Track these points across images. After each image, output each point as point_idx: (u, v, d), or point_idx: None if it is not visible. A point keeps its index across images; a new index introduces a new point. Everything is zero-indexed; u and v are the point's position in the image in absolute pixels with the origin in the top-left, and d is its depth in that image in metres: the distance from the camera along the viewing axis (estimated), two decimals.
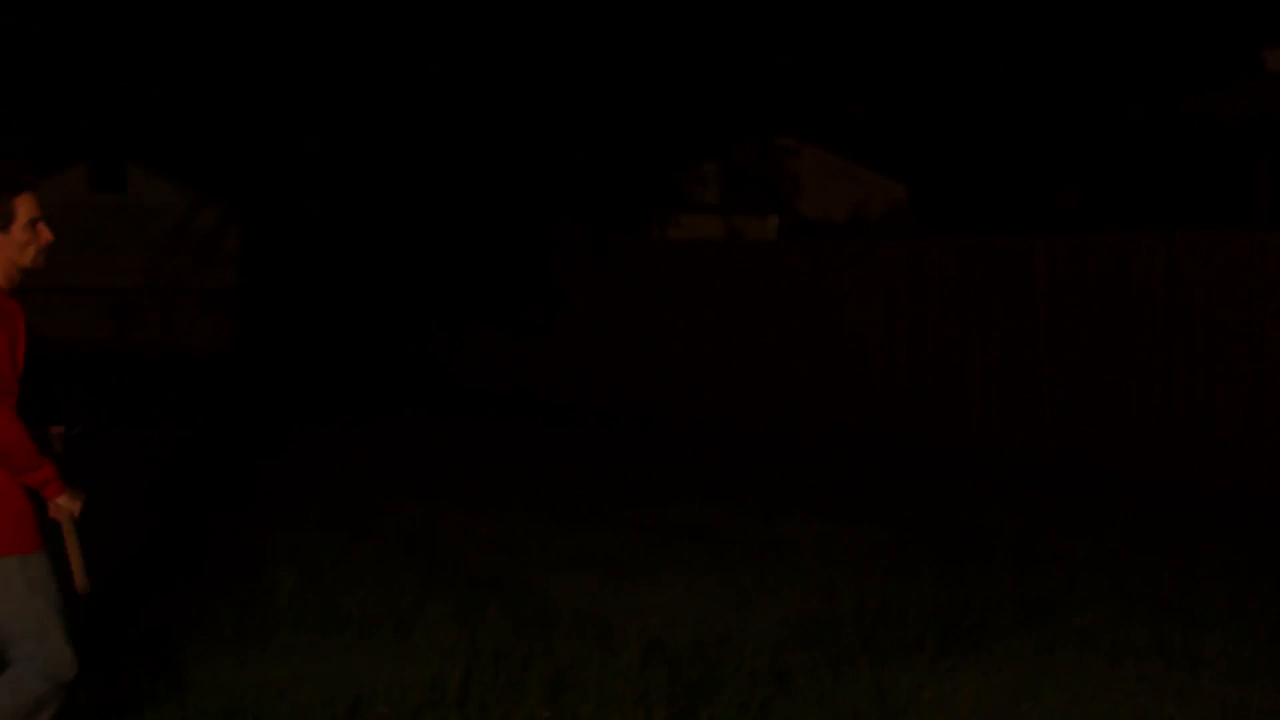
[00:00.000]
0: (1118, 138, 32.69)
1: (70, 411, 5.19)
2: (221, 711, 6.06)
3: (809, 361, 16.32)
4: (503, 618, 7.58)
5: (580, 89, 18.52)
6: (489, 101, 18.12)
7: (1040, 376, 14.31)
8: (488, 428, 16.37)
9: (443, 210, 18.75)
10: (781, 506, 11.42)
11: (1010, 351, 14.55)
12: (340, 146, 18.13)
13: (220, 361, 22.85)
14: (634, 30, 18.75)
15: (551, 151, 18.85)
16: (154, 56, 18.54)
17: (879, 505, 11.63)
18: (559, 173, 19.11)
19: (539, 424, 16.85)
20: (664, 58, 19.04)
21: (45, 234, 4.99)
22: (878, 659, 6.96)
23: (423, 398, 18.55)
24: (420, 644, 7.16)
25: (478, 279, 19.17)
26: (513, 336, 19.16)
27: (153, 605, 7.77)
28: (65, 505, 5.00)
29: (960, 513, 11.29)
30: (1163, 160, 29.58)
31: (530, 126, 18.45)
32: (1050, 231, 15.65)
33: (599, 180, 19.57)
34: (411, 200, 18.53)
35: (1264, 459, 12.70)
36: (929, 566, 9.10)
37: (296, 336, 19.06)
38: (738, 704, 6.20)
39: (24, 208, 4.93)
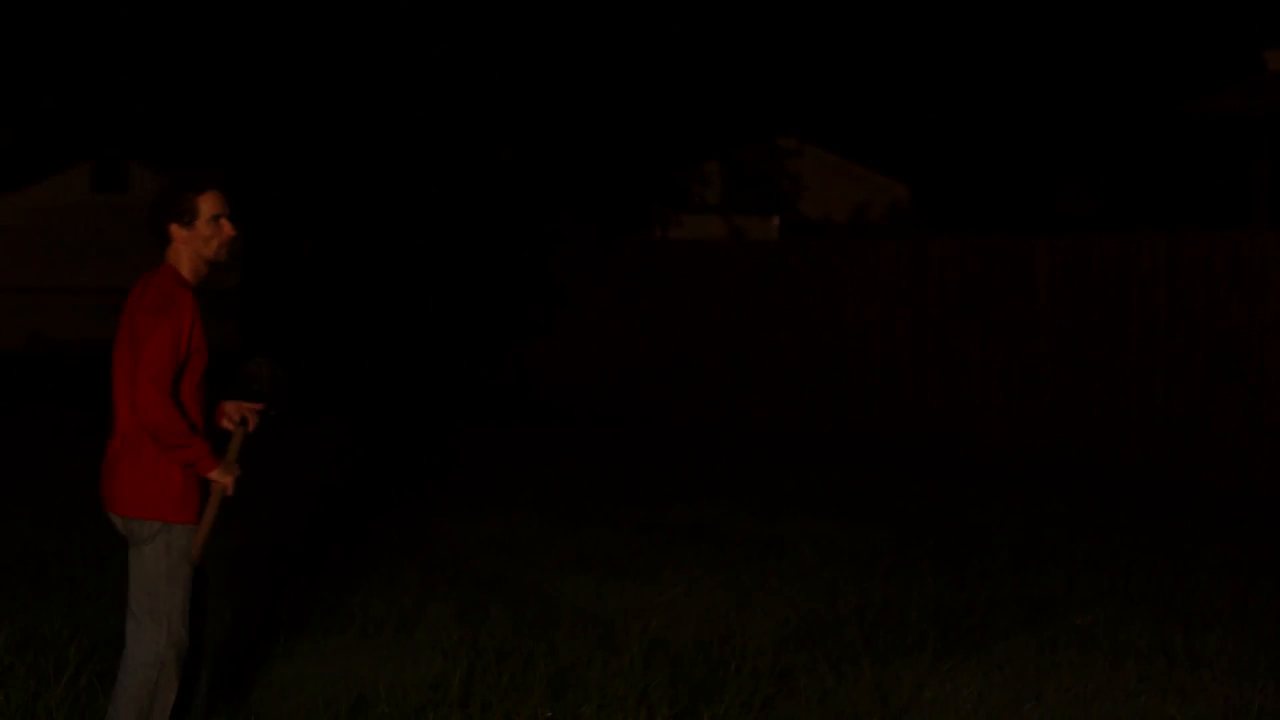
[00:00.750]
0: (1119, 138, 32.70)
1: (277, 393, 5.58)
2: (222, 711, 6.07)
3: (811, 361, 16.33)
4: (505, 617, 7.60)
5: (583, 89, 18.54)
6: (492, 101, 18.14)
7: (1041, 376, 14.32)
8: (489, 427, 16.38)
9: (445, 210, 18.77)
10: (783, 506, 11.43)
11: (1011, 351, 14.56)
12: (344, 146, 18.15)
13: (223, 361, 22.84)
14: (636, 30, 18.76)
15: (555, 152, 18.87)
16: (157, 56, 18.56)
17: (880, 505, 11.64)
18: (562, 173, 19.13)
19: (541, 423, 16.86)
20: (666, 58, 19.05)
21: (228, 229, 5.39)
22: (879, 658, 6.98)
23: (423, 398, 18.55)
24: (422, 644, 7.18)
25: (480, 279, 19.18)
26: (515, 336, 19.18)
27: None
28: (218, 480, 5.30)
29: (962, 512, 11.30)
30: (1163, 161, 29.60)
31: (533, 127, 18.46)
32: (1051, 231, 15.66)
33: (602, 180, 19.59)
34: (414, 200, 18.55)
35: (1264, 459, 12.71)
36: (930, 566, 9.11)
37: (299, 337, 19.07)
38: (740, 703, 6.22)
39: (207, 204, 5.31)
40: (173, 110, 19.11)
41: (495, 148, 18.44)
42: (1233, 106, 17.26)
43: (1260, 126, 17.03)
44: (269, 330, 19.62)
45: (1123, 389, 13.70)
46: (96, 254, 31.02)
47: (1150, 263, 13.57)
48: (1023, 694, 6.56)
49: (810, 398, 16.31)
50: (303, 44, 17.94)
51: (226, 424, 5.57)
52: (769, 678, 6.54)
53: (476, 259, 19.12)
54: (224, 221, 5.35)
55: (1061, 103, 34.14)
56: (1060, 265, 14.22)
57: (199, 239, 5.32)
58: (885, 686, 6.57)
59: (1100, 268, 13.92)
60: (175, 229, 5.27)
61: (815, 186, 31.06)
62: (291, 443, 14.68)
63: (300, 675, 6.66)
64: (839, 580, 8.69)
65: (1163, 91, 29.02)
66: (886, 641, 7.23)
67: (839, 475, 13.09)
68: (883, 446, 15.15)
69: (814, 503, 11.66)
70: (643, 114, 19.08)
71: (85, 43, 18.79)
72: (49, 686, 6.18)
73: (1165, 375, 13.43)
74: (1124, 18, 33.09)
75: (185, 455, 5.17)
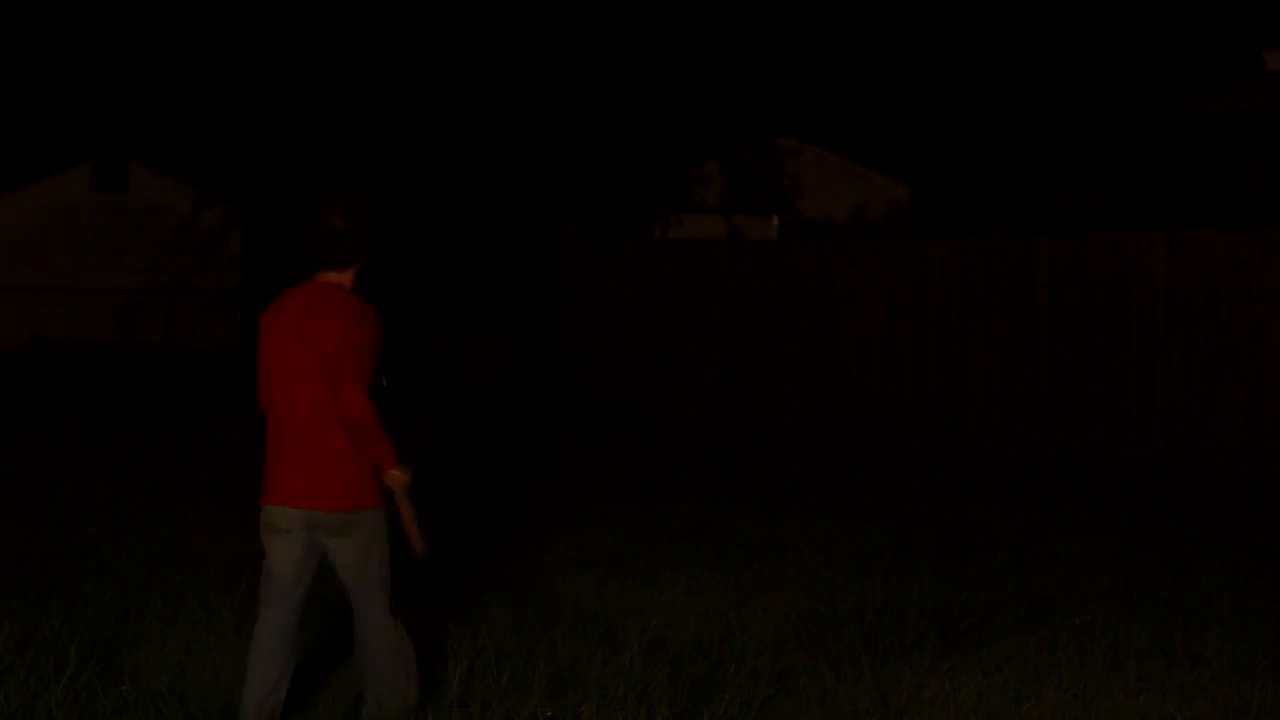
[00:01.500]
0: (1119, 138, 32.69)
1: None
2: (223, 710, 6.08)
3: (811, 361, 16.34)
4: (504, 616, 7.60)
5: (583, 90, 18.54)
6: (492, 102, 18.14)
7: (1041, 376, 14.32)
8: (488, 427, 16.38)
9: (445, 210, 18.76)
10: (783, 506, 11.44)
11: (1011, 351, 14.57)
12: (344, 146, 18.15)
13: (225, 361, 22.87)
14: (637, 30, 18.76)
15: (555, 152, 18.87)
16: (157, 57, 18.56)
17: (880, 504, 11.65)
18: (561, 173, 19.13)
19: (540, 423, 16.86)
20: (666, 58, 19.05)
21: None
22: (879, 658, 6.98)
23: (423, 397, 18.56)
24: (422, 643, 7.18)
25: (480, 278, 19.18)
26: (514, 336, 19.17)
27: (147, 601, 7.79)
28: (399, 476, 5.75)
29: (962, 512, 11.30)
30: (1163, 160, 29.60)
31: (533, 127, 18.46)
32: (1051, 231, 15.66)
33: (601, 180, 19.59)
34: (415, 200, 18.54)
35: (1264, 458, 12.72)
36: (930, 566, 9.11)
37: None
38: (739, 703, 6.22)
39: None
40: (173, 109, 19.11)
41: (497, 148, 18.43)
42: (1233, 106, 17.26)
43: (1260, 126, 17.03)
44: None
45: (1123, 389, 13.71)
46: (97, 254, 31.01)
47: (1150, 262, 13.57)
48: (1022, 693, 6.56)
49: (810, 397, 16.31)
50: (304, 44, 17.94)
51: None
52: (769, 677, 6.55)
53: (476, 259, 19.12)
54: None
55: (1061, 102, 34.13)
56: (1060, 265, 14.23)
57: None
58: (885, 686, 6.57)
59: (1100, 268, 13.93)
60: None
61: (815, 186, 31.07)
62: None
63: (300, 675, 6.66)
64: (838, 580, 8.69)
65: (1163, 91, 29.01)
66: (886, 641, 7.23)
67: (839, 475, 13.09)
68: (883, 446, 15.15)
69: (814, 503, 11.66)
70: (643, 114, 19.08)
71: (87, 43, 18.79)
72: (49, 686, 6.18)
73: (1165, 375, 13.43)
74: (1124, 18, 33.08)
75: (377, 450, 5.65)
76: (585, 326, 18.80)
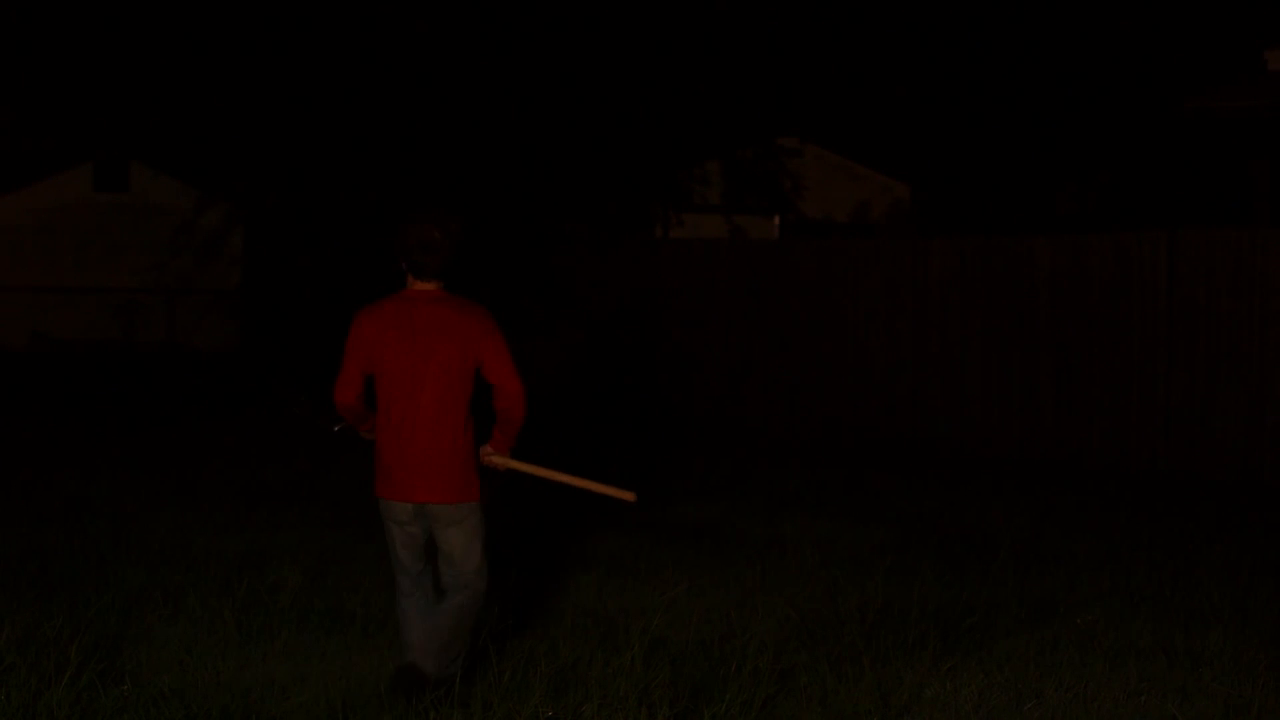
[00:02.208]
0: (1119, 138, 32.69)
1: None
2: (224, 710, 6.08)
3: (811, 361, 16.34)
4: (506, 616, 7.60)
5: (584, 89, 18.53)
6: (493, 101, 18.13)
7: (1041, 375, 14.33)
8: (489, 426, 16.37)
9: (447, 209, 18.72)
10: (784, 506, 11.44)
11: (1012, 350, 14.57)
12: (345, 146, 18.14)
13: (226, 361, 22.87)
14: (638, 30, 18.76)
15: (555, 152, 18.86)
16: (158, 56, 18.55)
17: (881, 504, 11.65)
18: (563, 172, 19.12)
19: (541, 422, 16.85)
20: (667, 57, 19.04)
21: None
22: (880, 658, 6.98)
23: None
24: None
25: (480, 278, 19.16)
26: (515, 335, 19.15)
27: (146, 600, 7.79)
28: (500, 460, 6.50)
29: (962, 512, 11.31)
30: (1163, 160, 29.59)
31: (534, 126, 18.46)
32: (1051, 231, 15.67)
33: (603, 180, 19.58)
34: (417, 199, 18.53)
35: (1264, 458, 12.73)
36: (931, 566, 9.12)
37: (302, 336, 19.06)
38: (740, 703, 6.22)
39: None
40: (174, 108, 19.10)
41: (498, 148, 18.43)
42: (1233, 106, 17.26)
43: (1260, 126, 17.02)
44: (270, 330, 19.63)
45: (1123, 388, 13.71)
46: (97, 254, 31.02)
47: (1151, 262, 13.58)
48: (1023, 693, 6.57)
49: (810, 397, 16.31)
50: (307, 44, 17.94)
51: None
52: (770, 677, 6.55)
53: (476, 258, 19.10)
54: None
55: (1062, 102, 34.12)
56: (1060, 265, 14.23)
57: None
58: (886, 686, 6.58)
59: (1101, 267, 13.93)
60: None
61: (816, 186, 31.05)
62: (291, 442, 14.69)
63: (301, 674, 6.67)
64: (839, 580, 8.70)
65: (1163, 91, 29.01)
66: (887, 641, 7.23)
67: (839, 475, 13.09)
68: (883, 446, 15.16)
69: (814, 503, 11.67)
70: (643, 114, 19.08)
71: (89, 42, 18.79)
72: (50, 685, 6.18)
73: (1165, 375, 13.44)
74: (1124, 17, 33.07)
75: (517, 430, 6.49)
76: (585, 326, 18.80)
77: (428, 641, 6.20)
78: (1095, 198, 33.79)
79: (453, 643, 6.25)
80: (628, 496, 6.50)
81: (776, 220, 31.23)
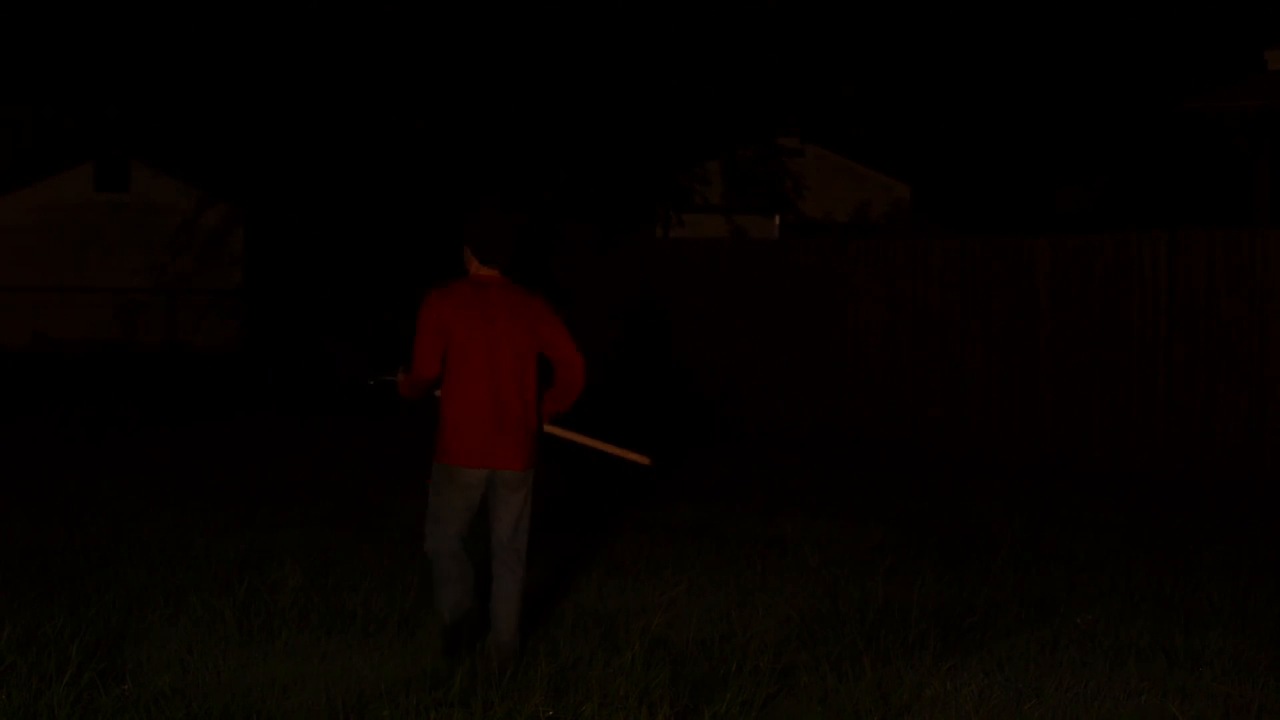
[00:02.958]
0: (1119, 137, 32.70)
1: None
2: (224, 709, 6.08)
3: (812, 361, 16.35)
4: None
5: (584, 89, 18.54)
6: (494, 101, 18.14)
7: (1041, 375, 14.33)
8: None
9: (445, 209, 18.75)
10: (784, 505, 11.44)
11: (1012, 351, 14.57)
12: (344, 146, 18.15)
13: (227, 361, 22.88)
14: (638, 30, 18.77)
15: (555, 152, 18.87)
16: (159, 57, 18.56)
17: (881, 504, 11.65)
18: (563, 172, 19.12)
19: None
20: (667, 58, 19.05)
21: None
22: (880, 658, 6.99)
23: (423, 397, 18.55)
24: (424, 642, 7.19)
25: None
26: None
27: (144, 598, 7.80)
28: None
29: (962, 512, 11.31)
30: (1164, 160, 29.59)
31: (535, 126, 18.46)
32: (1051, 231, 15.67)
33: (603, 180, 19.58)
34: (414, 200, 18.54)
35: (1264, 458, 12.72)
36: (931, 565, 9.12)
37: (303, 336, 19.08)
38: (740, 702, 6.22)
39: None
40: (175, 109, 19.12)
41: (498, 147, 18.44)
42: (1233, 106, 17.25)
43: (1261, 126, 17.01)
44: (270, 330, 19.64)
45: (1123, 389, 13.71)
46: (98, 253, 31.03)
47: (1150, 262, 13.58)
48: (1023, 693, 6.57)
49: (810, 397, 16.31)
50: (308, 44, 17.94)
51: None
52: (770, 676, 6.55)
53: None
54: None
55: (1062, 102, 34.13)
56: (1060, 265, 14.23)
57: None
58: (886, 685, 6.58)
59: (1101, 267, 13.93)
60: None
61: (817, 186, 31.04)
62: (291, 442, 14.70)
63: (302, 674, 6.67)
64: (840, 579, 8.70)
65: (1163, 91, 29.01)
66: (887, 641, 7.23)
67: (839, 475, 13.09)
68: (883, 446, 15.15)
69: (814, 502, 11.67)
70: (643, 114, 19.08)
71: (90, 43, 18.80)
72: (51, 685, 6.19)
73: (1165, 375, 13.44)
74: (1124, 17, 33.08)
75: (573, 400, 7.01)
76: (584, 326, 18.79)
77: (508, 616, 6.76)
78: (1095, 197, 33.78)
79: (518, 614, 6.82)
80: (643, 460, 7.19)
81: (777, 220, 31.23)
